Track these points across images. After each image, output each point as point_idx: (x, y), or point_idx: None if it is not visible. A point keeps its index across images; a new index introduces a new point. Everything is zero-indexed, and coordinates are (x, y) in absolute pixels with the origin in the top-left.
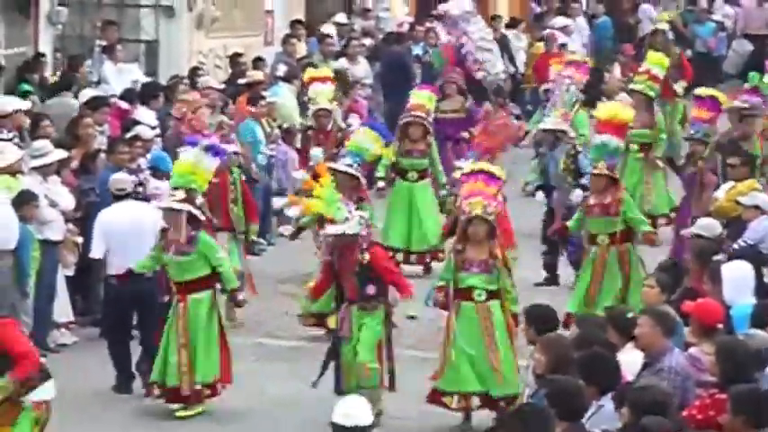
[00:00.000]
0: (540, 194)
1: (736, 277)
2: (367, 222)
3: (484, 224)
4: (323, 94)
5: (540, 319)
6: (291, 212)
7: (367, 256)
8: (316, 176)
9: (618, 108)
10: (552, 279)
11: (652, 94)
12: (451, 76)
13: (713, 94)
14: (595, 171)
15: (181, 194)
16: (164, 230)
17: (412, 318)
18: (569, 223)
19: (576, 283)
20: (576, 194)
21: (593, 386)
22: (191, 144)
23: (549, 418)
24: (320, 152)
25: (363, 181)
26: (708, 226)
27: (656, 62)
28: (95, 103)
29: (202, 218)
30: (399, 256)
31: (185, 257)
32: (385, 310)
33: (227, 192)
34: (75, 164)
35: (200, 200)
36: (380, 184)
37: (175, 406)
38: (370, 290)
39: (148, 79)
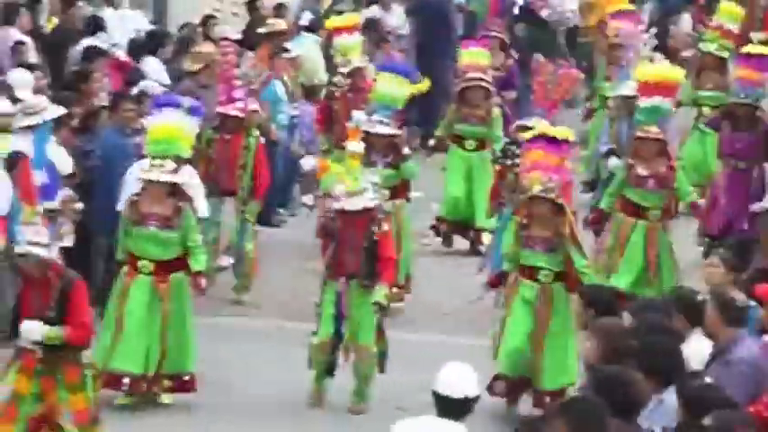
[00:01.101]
0: (615, 160)
1: None
2: (380, 186)
3: (544, 203)
4: (353, 49)
5: (601, 302)
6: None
7: (385, 227)
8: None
9: (665, 68)
10: None
11: (725, 54)
12: (493, 28)
13: (762, 52)
14: (645, 134)
15: (170, 164)
16: (134, 202)
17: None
18: (602, 204)
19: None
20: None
21: (654, 378)
22: (166, 105)
23: (600, 412)
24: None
25: (402, 133)
26: None
27: (729, 14)
28: (89, 54)
29: (189, 192)
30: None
31: (170, 232)
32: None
33: (237, 154)
34: (74, 122)
35: (185, 168)
36: (431, 142)
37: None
38: (376, 267)
39: (153, 28)
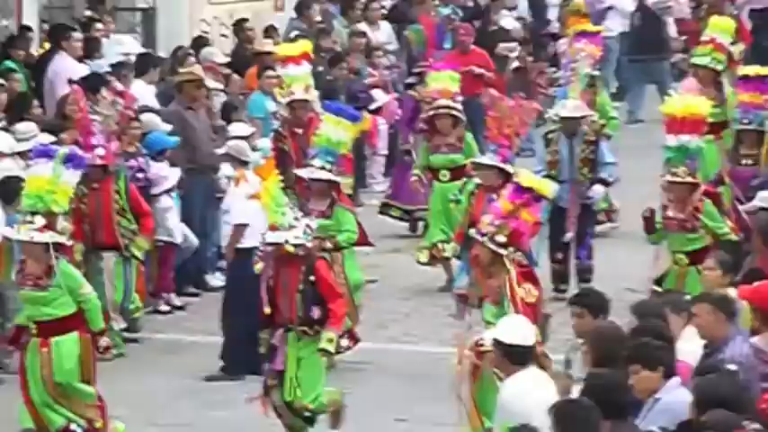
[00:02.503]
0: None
1: None
2: (314, 233)
3: (483, 249)
4: (298, 80)
5: (598, 307)
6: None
7: (312, 274)
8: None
9: (693, 102)
10: (561, 291)
11: (720, 67)
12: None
13: (761, 73)
14: (676, 179)
15: (40, 221)
16: (22, 262)
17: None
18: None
19: None
20: (596, 191)
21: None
22: (40, 156)
23: (590, 415)
24: (264, 148)
25: (344, 180)
26: None
27: (720, 28)
28: (94, 84)
29: (68, 244)
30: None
31: (42, 292)
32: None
33: (109, 203)
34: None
35: (62, 223)
36: (413, 178)
37: None
38: (315, 313)
39: (141, 51)
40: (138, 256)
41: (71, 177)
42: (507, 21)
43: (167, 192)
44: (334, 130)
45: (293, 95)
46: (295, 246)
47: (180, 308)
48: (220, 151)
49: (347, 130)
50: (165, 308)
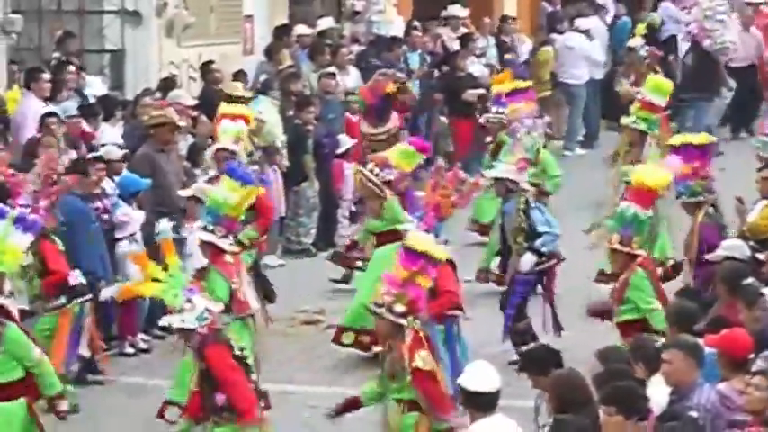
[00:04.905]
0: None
1: None
2: (214, 316)
3: (379, 320)
4: (227, 133)
5: (542, 364)
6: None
7: (203, 360)
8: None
9: (649, 173)
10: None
11: (643, 126)
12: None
13: (687, 141)
14: (609, 245)
15: None
16: None
17: None
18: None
19: None
20: (526, 261)
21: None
22: None
23: None
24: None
25: (225, 243)
26: (737, 247)
27: (655, 88)
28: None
29: (13, 309)
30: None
31: None
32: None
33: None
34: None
35: (8, 285)
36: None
37: None
38: (219, 399)
39: (106, 93)
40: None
41: (21, 239)
42: (476, 67)
43: (130, 236)
44: (227, 192)
45: (219, 144)
46: (180, 330)
47: (145, 350)
48: (186, 193)
49: (237, 193)
50: (130, 350)
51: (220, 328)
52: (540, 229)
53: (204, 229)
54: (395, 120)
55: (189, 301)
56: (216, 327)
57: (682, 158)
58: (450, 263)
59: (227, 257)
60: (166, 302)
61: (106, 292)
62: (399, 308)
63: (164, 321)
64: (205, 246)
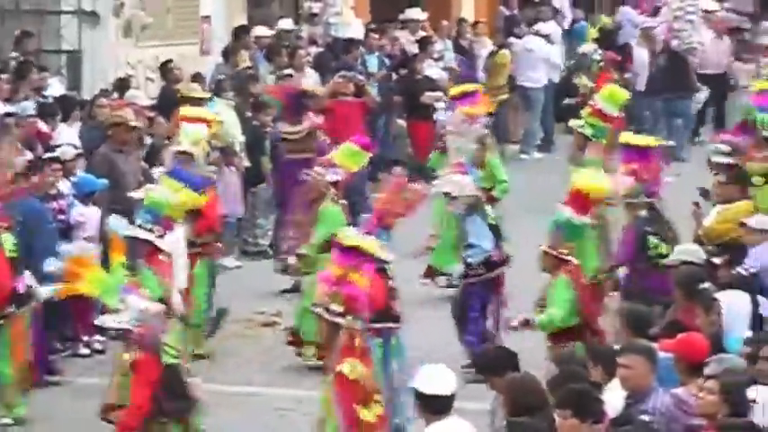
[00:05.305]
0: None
1: (732, 308)
2: (151, 318)
3: (322, 323)
4: (189, 136)
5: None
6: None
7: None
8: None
9: (587, 179)
10: None
11: (588, 132)
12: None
13: (628, 142)
14: (544, 248)
15: None
16: None
17: None
18: None
19: None
20: (458, 271)
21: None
22: None
23: None
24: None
25: (159, 242)
26: (693, 251)
27: (609, 97)
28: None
29: None
30: None
31: None
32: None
33: None
34: None
35: None
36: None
37: None
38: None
39: (63, 93)
40: None
41: None
42: (433, 70)
43: (87, 238)
44: (168, 192)
45: (178, 146)
46: (116, 330)
47: (100, 351)
48: (138, 195)
49: (184, 197)
50: (85, 351)
51: (155, 333)
52: (470, 240)
53: (140, 227)
54: (311, 119)
55: (122, 301)
56: (151, 330)
57: (622, 158)
58: (383, 265)
59: (162, 257)
60: (103, 301)
61: (44, 291)
62: (336, 307)
63: (98, 321)
64: (141, 244)
